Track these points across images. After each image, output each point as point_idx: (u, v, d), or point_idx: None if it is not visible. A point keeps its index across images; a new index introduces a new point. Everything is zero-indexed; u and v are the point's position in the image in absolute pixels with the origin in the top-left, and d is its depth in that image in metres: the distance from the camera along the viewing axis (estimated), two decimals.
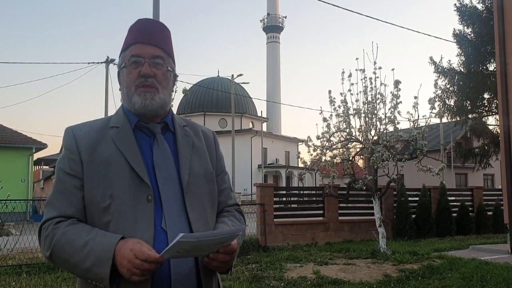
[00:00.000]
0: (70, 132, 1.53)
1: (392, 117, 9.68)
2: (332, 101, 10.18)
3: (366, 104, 9.97)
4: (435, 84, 10.37)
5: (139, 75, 1.51)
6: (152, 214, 1.42)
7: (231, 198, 1.72)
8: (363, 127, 10.08)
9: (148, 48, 1.53)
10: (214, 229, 1.54)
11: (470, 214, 14.51)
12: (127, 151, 1.47)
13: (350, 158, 10.56)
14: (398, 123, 9.77)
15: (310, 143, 10.35)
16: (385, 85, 9.82)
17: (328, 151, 10.39)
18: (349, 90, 10.05)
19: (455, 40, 17.20)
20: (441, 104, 16.58)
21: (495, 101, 15.74)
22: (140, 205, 1.42)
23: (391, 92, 9.64)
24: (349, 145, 10.48)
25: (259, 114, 46.85)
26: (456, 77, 17.38)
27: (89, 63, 26.59)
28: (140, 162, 1.47)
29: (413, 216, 13.22)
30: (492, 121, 18.95)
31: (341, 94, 10.12)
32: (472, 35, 17.05)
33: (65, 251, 1.37)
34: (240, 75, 33.27)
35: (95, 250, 1.33)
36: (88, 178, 1.45)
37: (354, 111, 10.09)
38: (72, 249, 1.36)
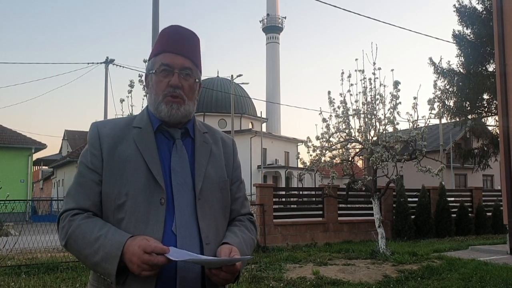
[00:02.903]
0: (95, 128, 1.59)
1: (391, 117, 9.69)
2: (331, 102, 10.19)
3: (366, 105, 9.98)
4: (435, 85, 10.37)
5: (168, 85, 1.56)
6: (163, 217, 1.47)
7: (245, 206, 1.75)
8: (362, 127, 10.09)
9: (178, 59, 1.58)
10: (224, 238, 1.57)
11: (470, 214, 14.52)
12: (146, 153, 1.52)
13: (350, 159, 10.56)
14: (398, 123, 9.79)
15: (309, 144, 10.35)
16: (384, 86, 9.85)
17: (327, 151, 10.39)
18: (349, 91, 10.06)
19: (455, 41, 17.20)
20: (440, 104, 16.55)
21: (495, 102, 15.74)
22: (153, 206, 1.47)
23: (390, 93, 9.67)
24: (348, 146, 10.48)
25: (258, 115, 46.82)
26: (456, 78, 17.36)
27: (88, 63, 26.68)
28: (157, 165, 1.51)
29: (413, 216, 13.23)
30: (491, 122, 18.93)
31: (340, 94, 10.14)
32: (471, 35, 17.05)
33: (78, 243, 1.44)
34: (240, 75, 33.26)
35: (105, 246, 1.38)
36: (107, 174, 1.50)
37: (354, 112, 10.09)
38: (84, 242, 1.42)
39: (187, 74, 1.58)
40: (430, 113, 9.62)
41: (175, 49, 1.59)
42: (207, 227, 1.52)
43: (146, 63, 1.68)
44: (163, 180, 1.49)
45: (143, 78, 6.78)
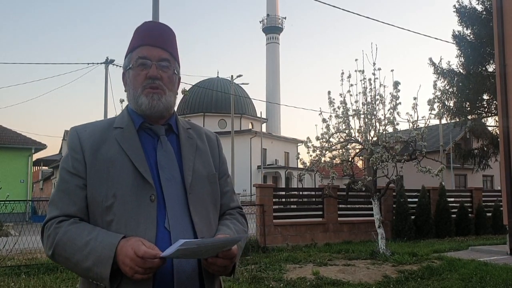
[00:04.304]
0: (74, 132, 1.54)
1: (391, 118, 9.68)
2: (331, 102, 10.19)
3: (366, 105, 9.98)
4: (435, 85, 10.35)
5: (146, 77, 1.52)
6: (155, 214, 1.43)
7: (234, 200, 1.73)
8: (362, 128, 10.09)
9: (155, 51, 1.54)
10: (216, 231, 1.55)
11: (470, 215, 14.51)
12: (131, 151, 1.48)
13: (350, 159, 10.56)
14: (398, 124, 9.78)
15: (309, 144, 10.35)
16: (384, 86, 9.84)
17: (327, 152, 10.39)
18: (349, 91, 10.06)
19: (455, 41, 17.21)
20: (440, 105, 16.56)
21: (495, 102, 15.75)
22: (143, 204, 1.43)
23: (390, 93, 9.66)
24: (348, 146, 10.48)
25: (258, 115, 46.84)
26: (456, 78, 17.37)
27: (88, 63, 26.71)
28: (144, 162, 1.47)
29: (413, 217, 13.22)
30: (491, 122, 18.94)
31: (340, 95, 10.14)
32: (471, 36, 17.06)
33: (66, 250, 1.37)
34: (240, 76, 33.27)
35: (96, 249, 1.33)
36: (91, 178, 1.46)
37: (354, 112, 10.09)
38: (73, 248, 1.36)
39: (165, 66, 1.55)
40: (430, 113, 9.61)
41: (151, 41, 1.55)
42: (200, 221, 1.49)
43: (123, 61, 1.63)
44: (151, 177, 1.45)
45: None
